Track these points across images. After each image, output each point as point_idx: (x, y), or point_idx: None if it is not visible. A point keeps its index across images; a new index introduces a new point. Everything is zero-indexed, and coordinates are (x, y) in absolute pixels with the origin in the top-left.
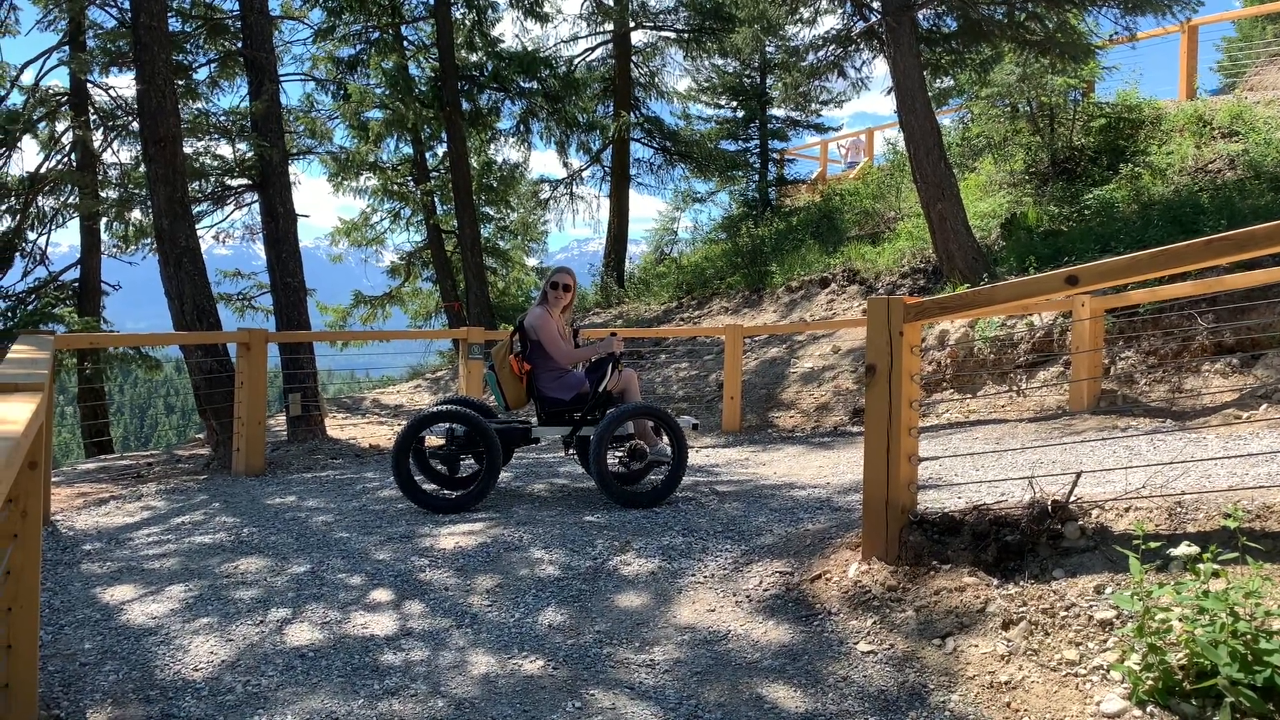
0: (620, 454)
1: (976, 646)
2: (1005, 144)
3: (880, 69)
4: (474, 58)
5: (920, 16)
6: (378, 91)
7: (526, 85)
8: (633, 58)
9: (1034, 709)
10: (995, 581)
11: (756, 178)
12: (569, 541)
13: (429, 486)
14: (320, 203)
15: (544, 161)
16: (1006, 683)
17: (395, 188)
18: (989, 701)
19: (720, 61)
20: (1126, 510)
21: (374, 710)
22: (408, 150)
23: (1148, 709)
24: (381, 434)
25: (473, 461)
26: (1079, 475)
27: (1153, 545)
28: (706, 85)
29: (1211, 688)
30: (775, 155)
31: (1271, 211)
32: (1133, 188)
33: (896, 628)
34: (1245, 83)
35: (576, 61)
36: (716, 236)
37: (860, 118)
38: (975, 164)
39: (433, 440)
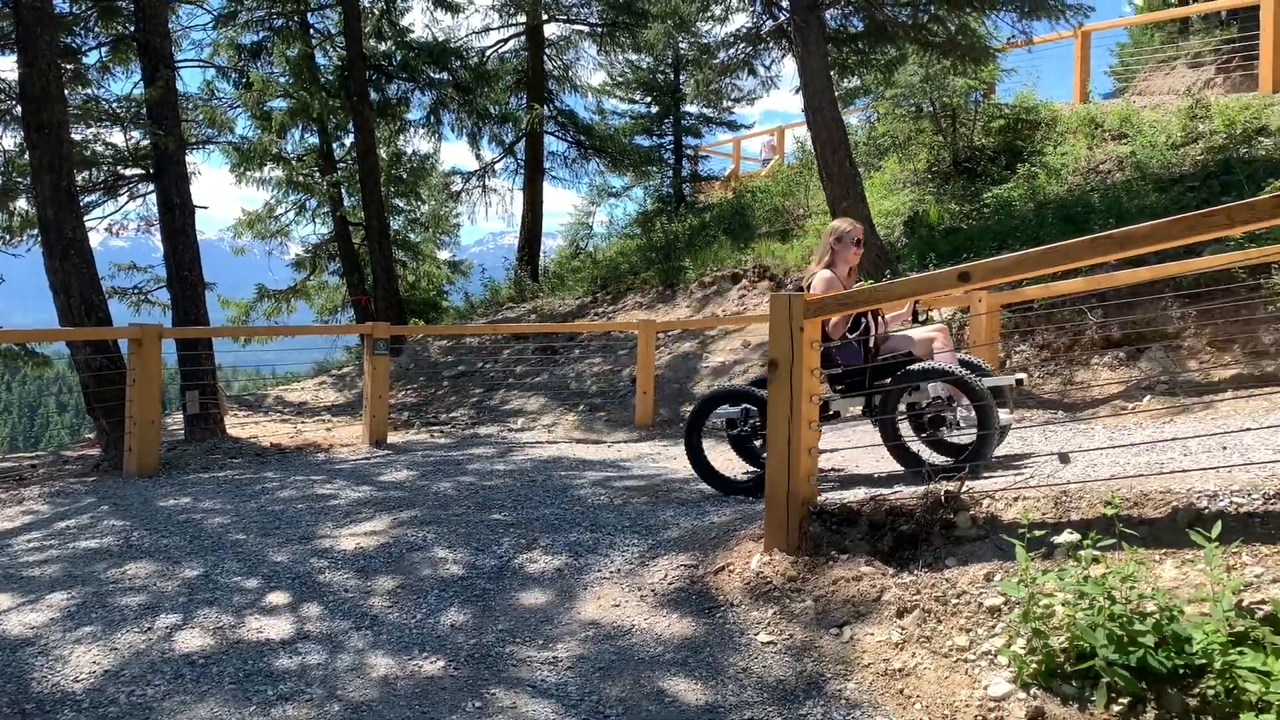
0: (922, 425)
1: (872, 635)
2: (909, 143)
3: (789, 68)
4: (383, 47)
5: (828, 16)
6: (282, 80)
7: (437, 76)
8: (545, 50)
9: (926, 695)
10: (891, 570)
11: (671, 174)
12: (474, 540)
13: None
14: (222, 194)
15: (455, 153)
16: (900, 670)
17: (301, 179)
18: (883, 689)
19: (634, 57)
20: (1015, 500)
21: (267, 717)
22: (314, 140)
23: (1031, 691)
24: (284, 432)
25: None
26: (969, 466)
27: (1038, 533)
28: (620, 80)
29: (1090, 669)
30: (689, 151)
31: (1155, 211)
32: (1029, 186)
33: (796, 618)
34: (1135, 87)
35: (489, 53)
36: (631, 231)
37: (770, 115)
38: (881, 163)
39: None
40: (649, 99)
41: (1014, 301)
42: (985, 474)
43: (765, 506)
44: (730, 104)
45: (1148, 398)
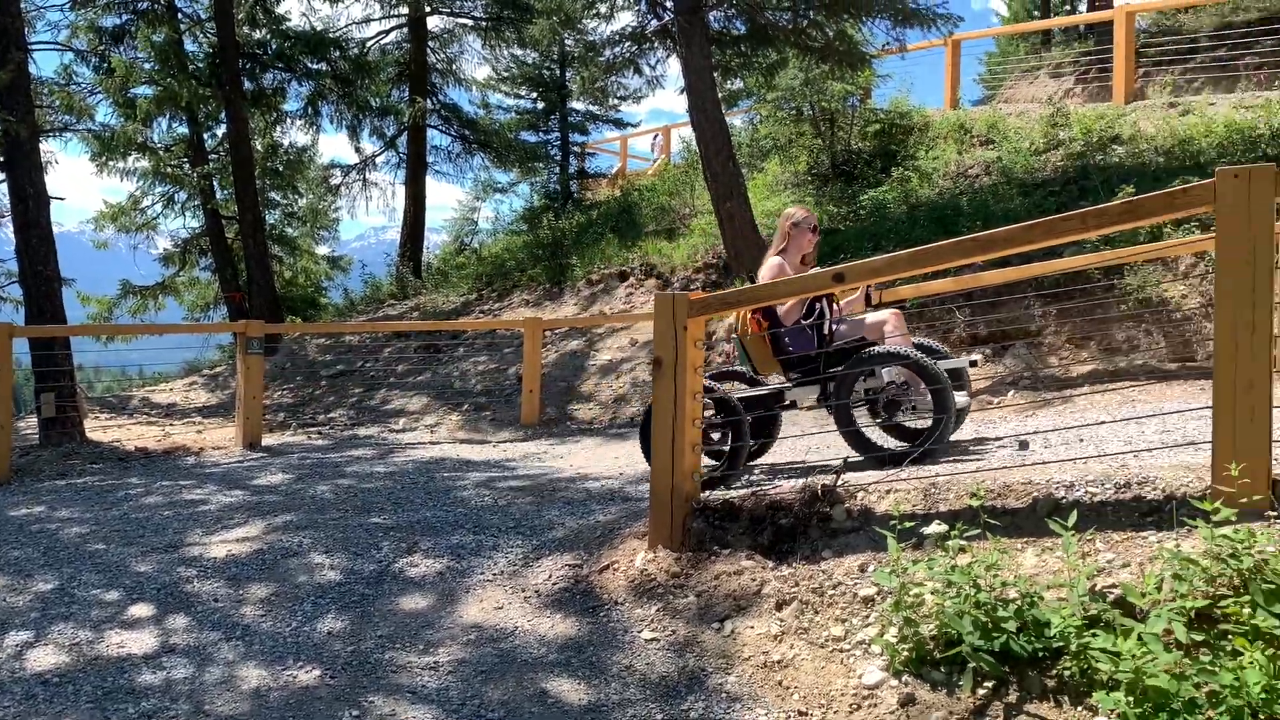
0: (877, 410)
1: (752, 628)
2: (790, 146)
3: (674, 68)
4: (257, 35)
5: (711, 18)
6: (147, 66)
7: (315, 66)
8: (429, 43)
9: (803, 685)
10: (770, 564)
11: (557, 170)
12: (352, 545)
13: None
14: (82, 184)
15: (335, 146)
16: (779, 661)
17: (169, 170)
18: (763, 681)
19: (519, 52)
20: (888, 492)
21: None
22: (183, 130)
23: (903, 678)
24: (151, 435)
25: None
26: (846, 461)
27: (909, 524)
28: (506, 75)
29: (958, 655)
30: (576, 148)
31: (1019, 214)
32: (903, 190)
33: (679, 614)
34: (1001, 95)
35: (370, 44)
36: (518, 228)
37: (657, 114)
38: (763, 164)
39: None
40: (535, 94)
41: (888, 301)
42: (944, 458)
43: (649, 504)
44: (617, 102)
45: (1011, 392)
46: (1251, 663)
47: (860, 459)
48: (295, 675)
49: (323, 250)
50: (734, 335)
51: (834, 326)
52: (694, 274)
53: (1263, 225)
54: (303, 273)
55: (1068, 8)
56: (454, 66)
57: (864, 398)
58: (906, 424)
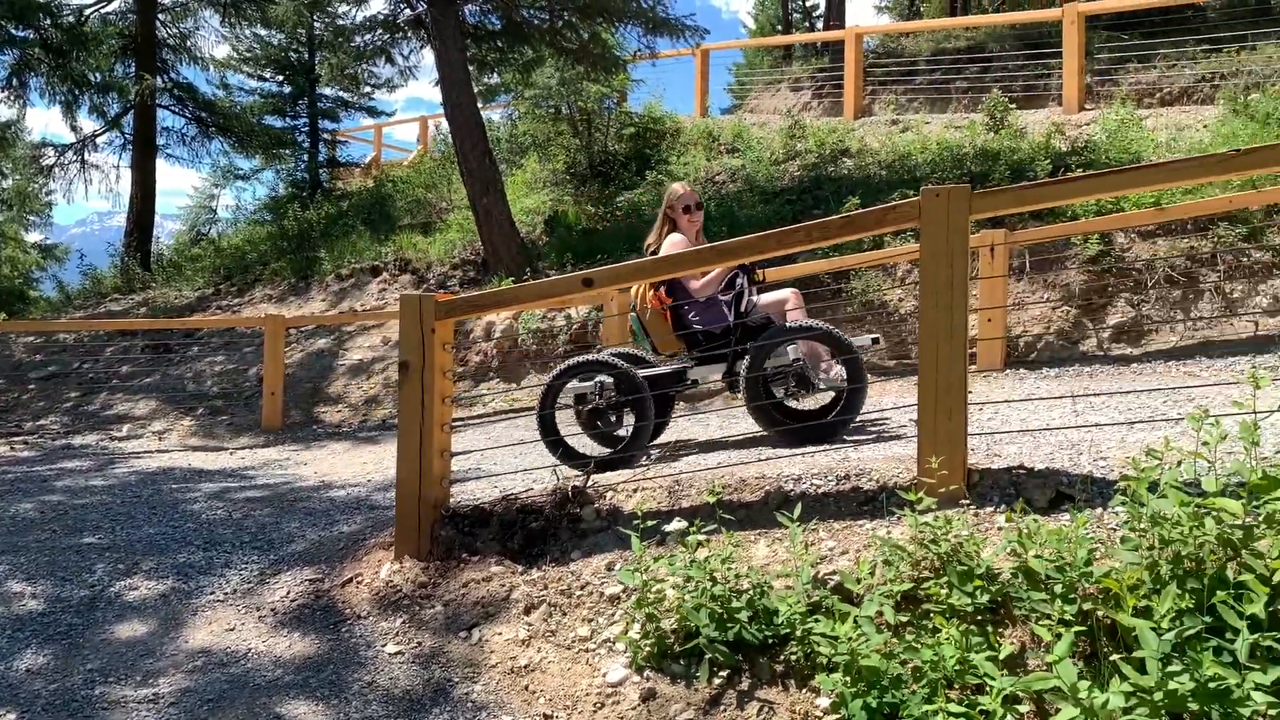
0: (787, 385)
1: (500, 634)
2: (549, 144)
3: (429, 58)
4: None
5: (467, 11)
6: None
7: (20, 33)
8: (159, 15)
9: (549, 688)
10: (521, 568)
11: (306, 158)
12: (59, 569)
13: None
14: None
15: (49, 121)
16: (526, 666)
17: None
18: (509, 687)
19: (264, 32)
20: (635, 491)
21: None
22: None
23: (645, 674)
24: None
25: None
26: (594, 461)
27: (652, 523)
28: (249, 55)
29: (695, 647)
30: (326, 136)
31: (761, 221)
32: (657, 193)
33: (425, 624)
34: (747, 105)
35: (89, 12)
36: (261, 218)
37: (414, 103)
38: (523, 161)
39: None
40: (281, 78)
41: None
42: (851, 437)
43: (395, 512)
44: (370, 89)
45: None
46: (948, 638)
47: (765, 434)
48: None
49: (33, 237)
50: (632, 313)
51: (751, 301)
52: (451, 270)
53: (960, 239)
54: (8, 262)
55: (807, 25)
56: (188, 43)
57: (768, 374)
58: (794, 403)
